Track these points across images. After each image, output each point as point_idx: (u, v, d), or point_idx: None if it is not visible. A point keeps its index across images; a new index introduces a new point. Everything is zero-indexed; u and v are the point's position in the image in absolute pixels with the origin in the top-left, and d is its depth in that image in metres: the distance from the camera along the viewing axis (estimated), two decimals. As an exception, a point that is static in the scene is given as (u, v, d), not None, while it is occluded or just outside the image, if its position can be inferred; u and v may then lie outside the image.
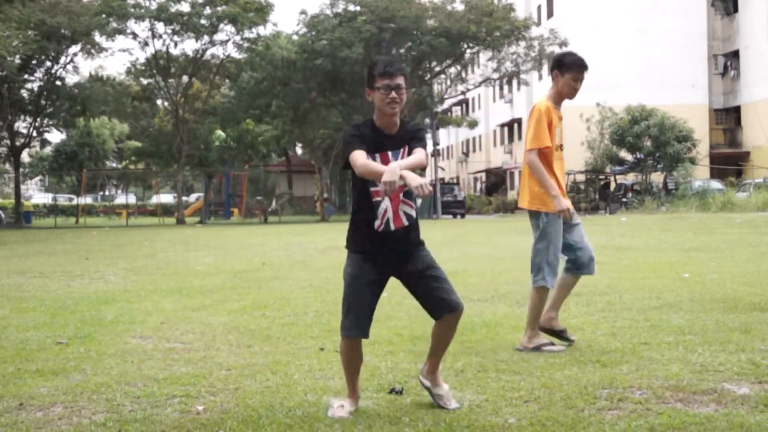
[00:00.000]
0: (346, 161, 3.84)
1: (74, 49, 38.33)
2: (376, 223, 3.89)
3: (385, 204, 3.87)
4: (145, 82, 42.47)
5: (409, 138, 3.92)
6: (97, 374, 4.80)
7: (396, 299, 7.12)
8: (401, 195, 3.88)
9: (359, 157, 3.76)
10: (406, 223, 3.91)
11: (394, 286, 8.25)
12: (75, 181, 50.86)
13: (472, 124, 63.01)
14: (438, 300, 3.93)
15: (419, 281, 3.95)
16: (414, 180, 3.60)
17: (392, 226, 3.89)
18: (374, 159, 3.84)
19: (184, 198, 51.65)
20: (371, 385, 4.40)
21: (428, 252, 4.02)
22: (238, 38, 39.60)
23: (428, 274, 3.94)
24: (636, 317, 6.48)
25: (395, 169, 3.61)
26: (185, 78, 42.32)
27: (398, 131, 3.92)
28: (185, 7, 38.02)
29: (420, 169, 3.91)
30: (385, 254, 3.92)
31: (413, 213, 3.94)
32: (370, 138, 3.86)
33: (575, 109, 44.04)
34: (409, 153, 3.89)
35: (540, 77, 48.09)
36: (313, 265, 12.17)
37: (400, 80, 3.85)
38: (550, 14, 48.27)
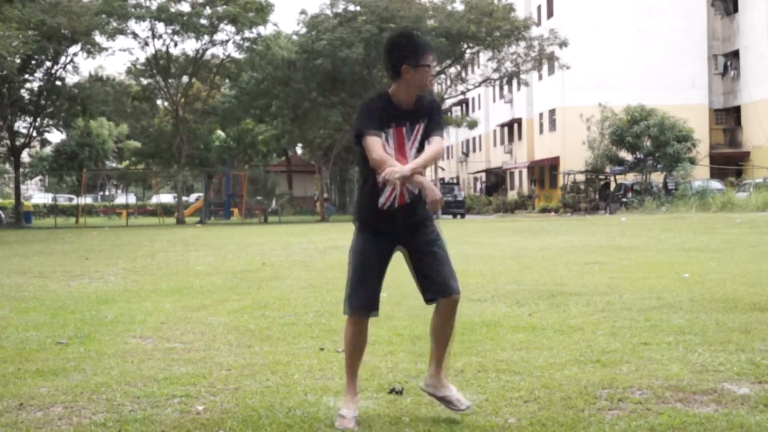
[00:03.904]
0: (356, 136, 3.81)
1: (74, 49, 38.29)
2: (381, 200, 3.85)
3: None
4: (145, 82, 42.42)
5: (427, 114, 3.88)
6: (97, 374, 4.80)
7: (396, 299, 7.11)
8: None
9: (376, 148, 3.74)
10: (408, 200, 3.87)
11: (393, 287, 8.21)
12: (75, 181, 50.81)
13: (472, 124, 62.92)
14: (431, 281, 3.86)
15: (419, 256, 3.89)
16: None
17: (396, 204, 3.87)
18: (387, 134, 3.82)
19: (184, 198, 51.62)
20: (371, 385, 4.40)
21: (435, 228, 3.95)
22: (238, 38, 39.57)
23: (430, 250, 3.88)
24: (636, 317, 6.47)
25: (405, 173, 3.64)
26: (185, 78, 42.28)
27: (415, 104, 3.89)
28: (185, 7, 38.00)
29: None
30: (392, 228, 3.89)
31: (416, 190, 3.86)
32: (386, 112, 3.83)
33: (575, 109, 44.16)
34: (425, 134, 3.85)
35: (540, 77, 48.11)
36: (313, 265, 12.16)
37: None
38: (550, 14, 48.24)
